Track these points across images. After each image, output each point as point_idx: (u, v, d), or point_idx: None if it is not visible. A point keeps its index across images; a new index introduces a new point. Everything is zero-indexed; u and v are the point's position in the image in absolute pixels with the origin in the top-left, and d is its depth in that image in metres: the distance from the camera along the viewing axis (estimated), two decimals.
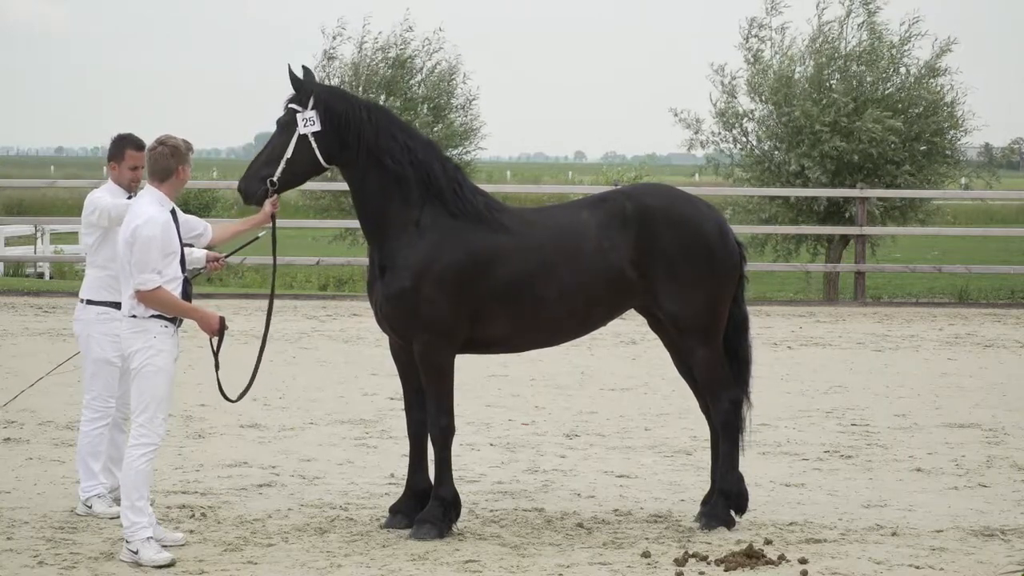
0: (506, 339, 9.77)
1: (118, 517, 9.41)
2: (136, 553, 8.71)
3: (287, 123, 9.54)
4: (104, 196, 10.04)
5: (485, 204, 9.68)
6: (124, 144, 10.14)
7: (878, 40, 30.21)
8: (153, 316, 8.85)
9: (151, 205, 8.89)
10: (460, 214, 9.57)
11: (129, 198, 10.02)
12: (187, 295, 8.99)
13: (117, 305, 9.96)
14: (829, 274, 29.34)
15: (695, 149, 31.64)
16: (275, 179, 9.46)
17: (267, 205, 9.48)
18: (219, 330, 9.05)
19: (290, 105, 9.55)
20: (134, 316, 8.88)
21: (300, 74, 9.60)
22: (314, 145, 9.51)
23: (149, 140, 9.41)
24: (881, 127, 29.11)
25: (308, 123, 9.51)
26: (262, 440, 12.82)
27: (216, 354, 9.22)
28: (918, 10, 30.39)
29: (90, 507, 9.97)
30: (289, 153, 9.48)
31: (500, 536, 9.53)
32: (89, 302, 10.05)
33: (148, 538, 8.73)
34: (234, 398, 9.35)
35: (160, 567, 8.64)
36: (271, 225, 9.66)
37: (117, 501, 9.82)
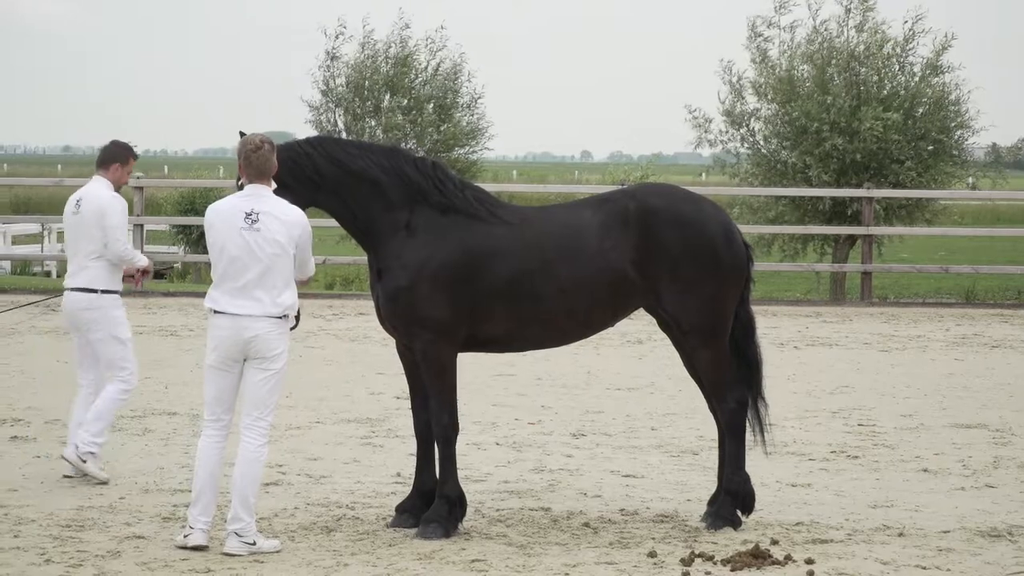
0: (507, 338, 9.74)
1: (105, 483, 10.53)
2: (254, 544, 8.92)
3: None
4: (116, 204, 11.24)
5: (475, 197, 9.67)
6: (114, 153, 11.44)
7: (877, 37, 30.15)
8: (286, 317, 9.03)
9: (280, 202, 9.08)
10: (447, 208, 9.56)
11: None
12: None
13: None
14: (835, 274, 29.32)
15: (702, 147, 31.65)
16: None
17: None
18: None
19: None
20: (284, 316, 9.01)
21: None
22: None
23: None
24: (882, 125, 29.08)
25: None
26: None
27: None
28: (920, 7, 30.38)
29: (84, 461, 10.66)
30: None
31: (506, 535, 9.52)
32: (104, 292, 10.96)
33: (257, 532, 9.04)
34: None
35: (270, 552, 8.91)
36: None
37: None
